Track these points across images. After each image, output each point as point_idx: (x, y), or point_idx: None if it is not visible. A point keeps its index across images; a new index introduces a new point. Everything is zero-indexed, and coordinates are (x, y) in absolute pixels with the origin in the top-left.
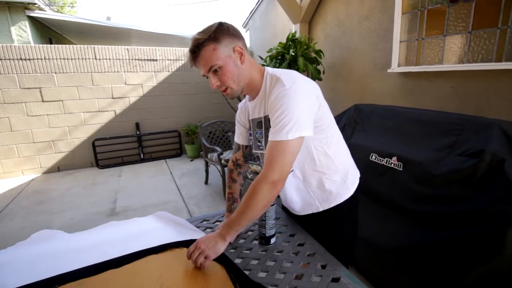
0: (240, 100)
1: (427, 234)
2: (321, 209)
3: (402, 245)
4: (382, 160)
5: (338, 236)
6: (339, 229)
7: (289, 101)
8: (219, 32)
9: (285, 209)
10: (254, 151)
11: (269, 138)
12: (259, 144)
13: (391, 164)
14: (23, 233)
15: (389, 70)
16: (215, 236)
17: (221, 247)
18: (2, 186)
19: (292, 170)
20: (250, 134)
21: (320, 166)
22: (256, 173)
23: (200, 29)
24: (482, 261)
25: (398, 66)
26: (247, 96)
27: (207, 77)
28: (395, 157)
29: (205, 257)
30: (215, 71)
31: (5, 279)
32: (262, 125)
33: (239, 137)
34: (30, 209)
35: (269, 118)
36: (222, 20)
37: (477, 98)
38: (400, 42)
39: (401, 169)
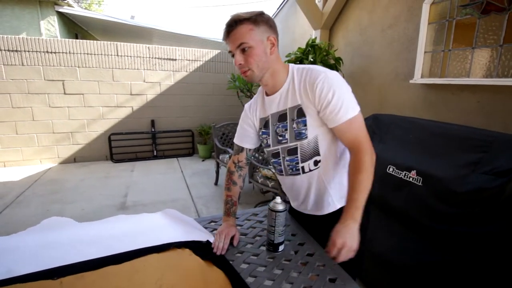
0: (248, 97)
1: (445, 253)
2: (338, 206)
3: (416, 263)
4: (400, 173)
5: None
6: None
7: (337, 84)
8: (260, 18)
9: (294, 216)
10: (272, 147)
11: (337, 122)
12: (281, 138)
13: (409, 178)
14: (36, 220)
15: (411, 81)
16: (347, 224)
17: (357, 231)
18: (20, 173)
19: (319, 161)
20: (264, 133)
21: (341, 159)
22: (267, 177)
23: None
24: (504, 286)
25: (421, 77)
26: (258, 94)
27: (232, 55)
28: (414, 171)
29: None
30: (244, 50)
31: (11, 264)
32: (287, 117)
33: (244, 139)
34: (44, 197)
35: (300, 108)
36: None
37: (505, 115)
38: (425, 52)
39: (420, 183)
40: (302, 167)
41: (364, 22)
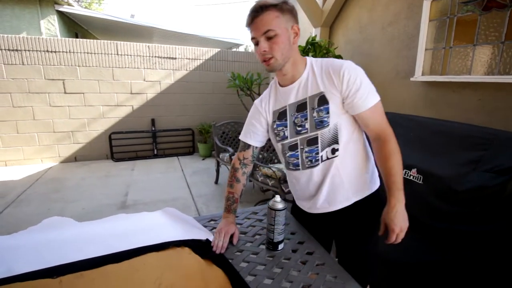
0: (256, 95)
1: (446, 252)
2: (353, 200)
3: (416, 262)
4: None
5: (364, 240)
6: (369, 228)
7: (360, 72)
8: (286, 6)
9: (297, 216)
10: (290, 139)
11: (364, 108)
12: (300, 128)
13: (410, 176)
14: (37, 219)
15: (412, 79)
16: (396, 209)
17: (404, 210)
18: (22, 172)
19: (338, 150)
20: (279, 125)
21: (359, 151)
22: (267, 176)
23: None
24: (503, 285)
25: (422, 74)
26: (270, 88)
27: (255, 43)
28: (415, 169)
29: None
30: (269, 38)
31: (11, 263)
32: (307, 106)
33: (251, 135)
34: (46, 196)
35: (323, 95)
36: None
37: (506, 112)
38: (426, 50)
39: (420, 182)
40: (321, 156)
41: (364, 20)
